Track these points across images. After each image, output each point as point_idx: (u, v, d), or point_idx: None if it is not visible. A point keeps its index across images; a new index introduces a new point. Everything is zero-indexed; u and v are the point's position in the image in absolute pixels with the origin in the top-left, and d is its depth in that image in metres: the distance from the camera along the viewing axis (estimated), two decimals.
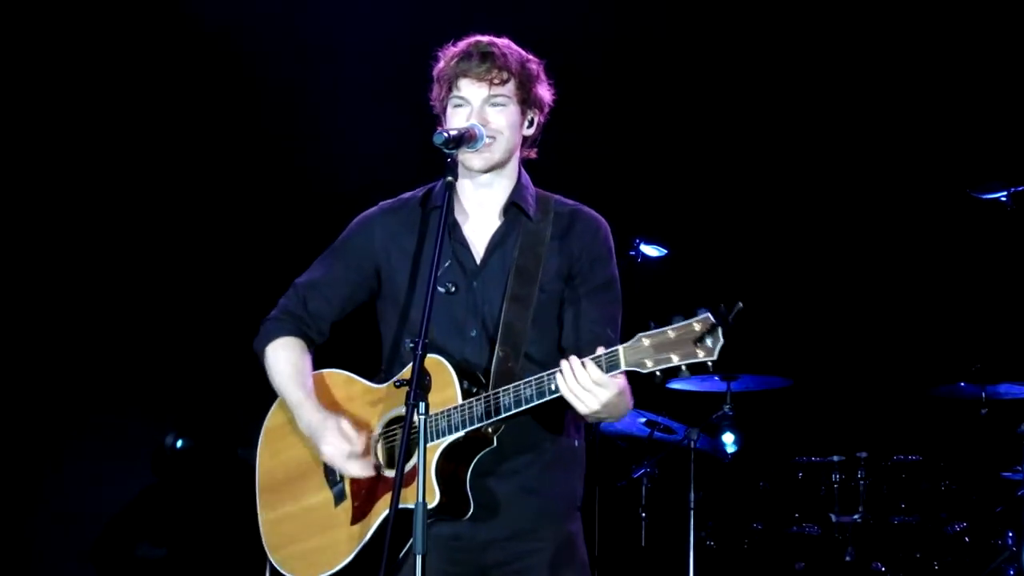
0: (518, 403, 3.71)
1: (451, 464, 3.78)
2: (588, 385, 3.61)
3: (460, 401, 3.77)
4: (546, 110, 4.04)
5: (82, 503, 7.43)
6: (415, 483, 3.58)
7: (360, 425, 3.96)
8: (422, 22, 7.11)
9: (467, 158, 3.92)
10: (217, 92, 7.45)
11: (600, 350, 3.63)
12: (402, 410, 3.65)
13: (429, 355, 3.74)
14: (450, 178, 3.81)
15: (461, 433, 3.76)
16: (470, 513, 3.81)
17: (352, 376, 4.07)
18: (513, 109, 3.96)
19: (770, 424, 7.79)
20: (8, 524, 7.38)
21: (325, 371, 4.11)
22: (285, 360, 4.07)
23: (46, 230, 7.40)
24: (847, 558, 7.08)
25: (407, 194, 4.15)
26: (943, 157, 7.57)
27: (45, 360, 7.41)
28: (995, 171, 6.77)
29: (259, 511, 4.13)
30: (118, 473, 7.53)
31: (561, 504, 3.99)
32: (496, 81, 3.91)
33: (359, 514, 3.90)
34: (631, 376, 3.66)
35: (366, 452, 3.90)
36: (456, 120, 3.94)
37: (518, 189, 4.03)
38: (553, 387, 3.66)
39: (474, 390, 3.79)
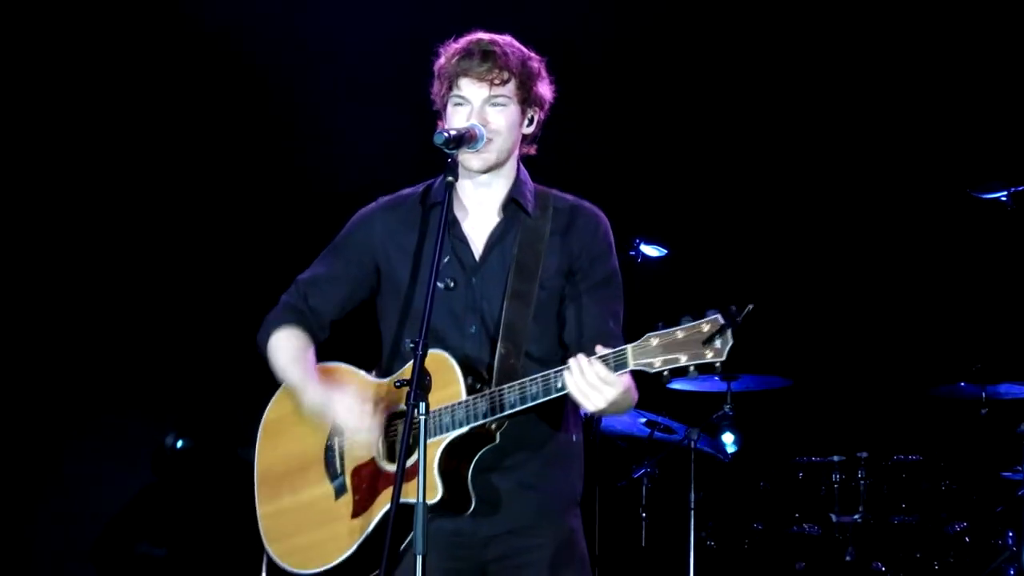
0: (523, 400, 3.71)
1: (453, 460, 3.78)
2: (596, 383, 3.60)
3: (464, 397, 3.77)
4: (547, 108, 4.03)
5: (82, 503, 7.44)
6: (416, 479, 3.58)
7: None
8: (422, 21, 7.10)
9: (466, 159, 3.92)
10: (217, 92, 7.45)
11: (602, 349, 3.62)
12: (404, 407, 3.65)
13: (434, 351, 3.75)
14: (451, 178, 3.80)
15: (465, 429, 3.75)
16: (472, 508, 3.81)
17: (355, 370, 4.07)
18: (513, 109, 3.95)
19: (770, 424, 7.79)
20: (8, 524, 7.38)
21: (329, 364, 4.09)
22: (287, 347, 4.05)
23: (46, 230, 7.40)
24: (847, 558, 7.08)
25: (406, 190, 4.15)
26: (943, 157, 7.57)
27: (45, 360, 7.41)
28: (995, 171, 6.76)
29: (258, 504, 4.12)
30: (118, 473, 7.54)
31: (561, 500, 3.98)
32: (497, 81, 3.91)
33: (360, 508, 3.90)
34: (634, 373, 3.65)
35: (376, 413, 3.89)
36: (456, 119, 3.93)
37: (517, 185, 4.03)
38: (560, 385, 3.66)
39: (478, 386, 3.79)
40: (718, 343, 3.51)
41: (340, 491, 3.95)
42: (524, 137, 4.03)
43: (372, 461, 3.92)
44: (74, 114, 7.32)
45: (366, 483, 3.90)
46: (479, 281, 3.96)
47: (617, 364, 3.60)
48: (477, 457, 3.81)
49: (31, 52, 7.21)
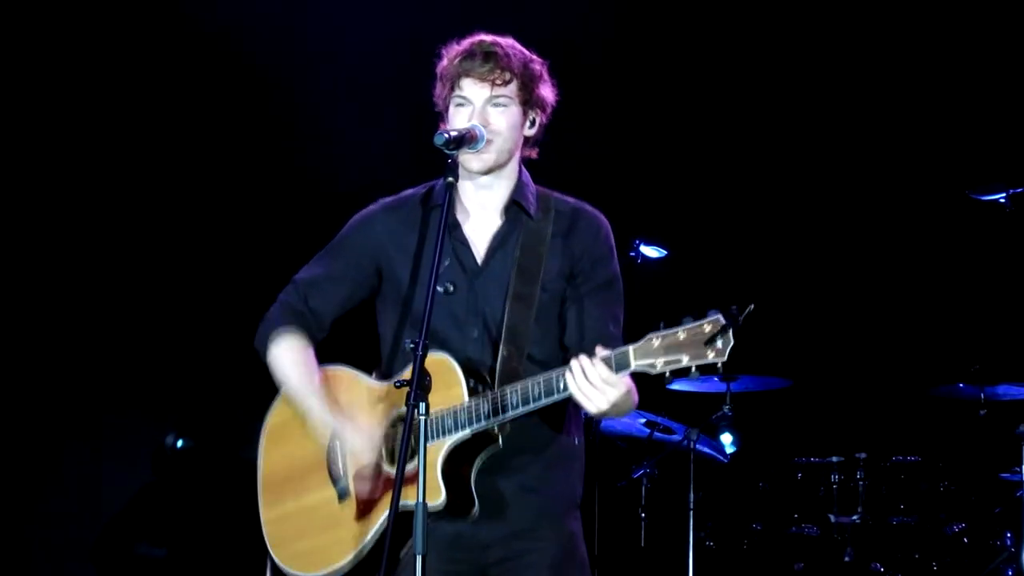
0: (525, 402, 3.71)
1: (456, 463, 3.78)
2: (598, 384, 3.61)
3: (466, 399, 3.77)
4: (548, 111, 4.03)
5: (82, 503, 7.44)
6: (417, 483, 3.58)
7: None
8: (422, 22, 7.11)
9: (467, 160, 3.92)
10: (217, 92, 7.45)
11: (603, 350, 3.62)
12: (405, 408, 3.65)
13: (435, 353, 3.75)
14: (451, 179, 3.80)
15: (467, 432, 3.76)
16: (475, 511, 3.81)
17: (356, 373, 4.06)
18: (515, 110, 3.95)
19: (770, 425, 7.80)
20: (8, 524, 7.38)
21: (329, 368, 4.09)
22: (291, 360, 4.05)
23: (46, 230, 7.40)
24: (846, 558, 7.08)
25: (408, 192, 4.14)
26: (942, 158, 7.58)
27: (46, 360, 7.41)
28: (994, 173, 6.77)
29: (261, 509, 4.12)
30: (118, 473, 7.54)
31: (561, 503, 3.99)
32: (498, 82, 3.91)
33: (363, 511, 3.90)
34: (635, 374, 3.66)
35: (385, 438, 3.90)
36: (458, 120, 3.93)
37: (519, 188, 4.03)
38: (562, 386, 3.66)
39: (480, 389, 3.79)
40: (720, 343, 3.51)
41: (343, 495, 3.95)
42: (526, 140, 4.02)
43: (375, 464, 3.92)
44: (75, 115, 7.32)
45: (369, 487, 3.90)
46: (481, 285, 3.96)
47: (619, 365, 3.61)
48: (480, 460, 3.81)
49: (31, 53, 7.20)
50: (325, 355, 4.13)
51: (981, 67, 7.46)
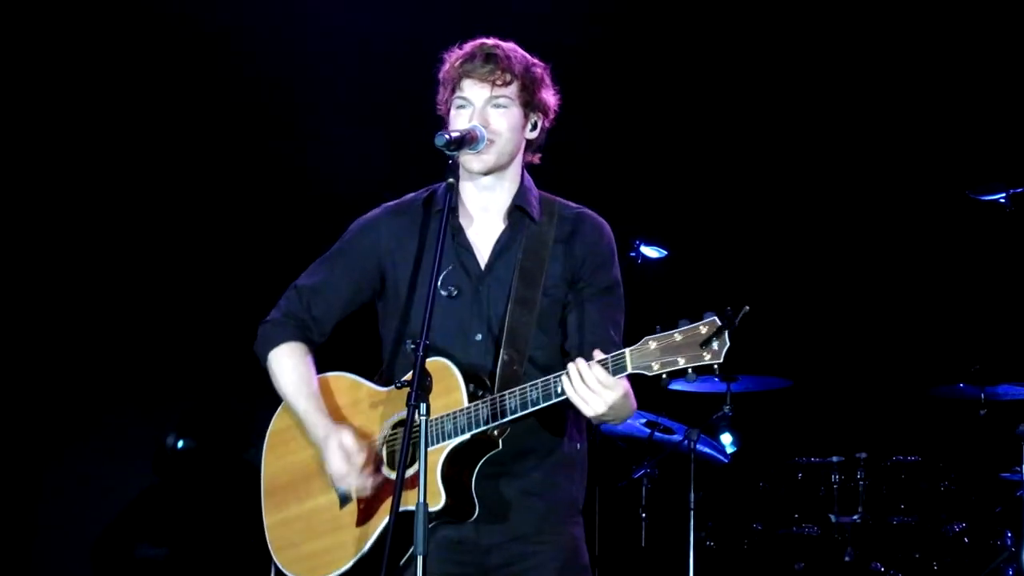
0: (524, 406, 3.72)
1: (456, 467, 3.78)
2: (595, 387, 3.61)
3: (466, 404, 3.77)
4: (551, 115, 4.03)
5: (82, 503, 7.44)
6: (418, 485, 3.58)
7: (365, 431, 3.97)
8: (421, 22, 7.11)
9: (467, 160, 3.92)
10: (219, 93, 7.45)
11: (600, 354, 3.63)
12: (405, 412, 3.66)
13: (435, 358, 3.77)
14: (451, 180, 3.80)
15: (467, 436, 3.76)
16: (475, 515, 3.81)
17: (357, 379, 4.07)
18: (515, 111, 3.95)
19: (770, 425, 7.81)
20: (8, 524, 7.38)
21: (330, 375, 4.10)
22: (290, 369, 4.06)
23: (47, 230, 7.40)
24: (846, 558, 7.09)
25: (410, 195, 4.14)
26: (942, 159, 7.58)
27: (46, 360, 7.41)
28: (994, 173, 6.77)
29: (264, 513, 4.13)
30: (119, 473, 7.54)
31: (563, 508, 3.99)
32: (499, 82, 3.91)
33: (364, 516, 3.91)
34: (634, 377, 3.67)
35: (367, 463, 3.90)
36: (459, 121, 3.94)
37: (522, 192, 4.03)
38: (559, 390, 3.66)
39: (480, 393, 3.79)
40: (715, 345, 3.53)
41: (345, 499, 3.96)
42: (528, 144, 4.03)
43: (376, 469, 3.92)
44: (75, 116, 7.32)
45: (371, 491, 3.90)
46: (485, 290, 3.96)
47: (616, 368, 3.62)
48: (480, 464, 3.82)
49: (31, 53, 7.21)
50: (328, 359, 4.13)
51: (981, 67, 7.46)
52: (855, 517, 7.13)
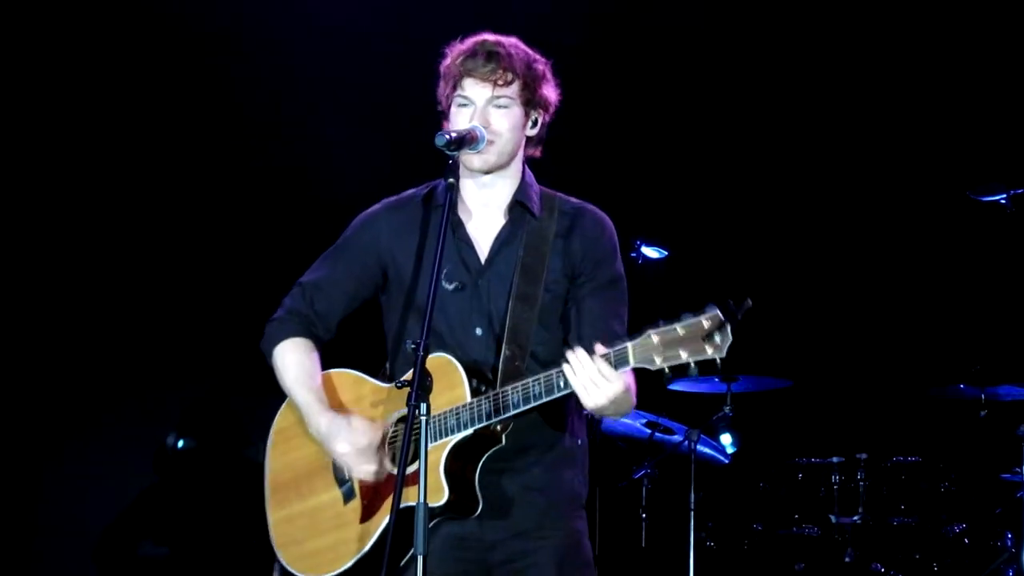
0: (526, 400, 3.71)
1: (459, 462, 3.78)
2: (596, 379, 3.60)
3: (469, 399, 3.77)
4: (551, 110, 4.02)
5: (83, 503, 7.43)
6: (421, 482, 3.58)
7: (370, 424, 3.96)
8: (423, 21, 7.11)
9: (468, 159, 3.92)
10: (220, 93, 7.45)
11: (602, 347, 3.61)
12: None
13: (438, 353, 3.78)
14: (451, 180, 3.80)
15: (469, 431, 3.75)
16: (479, 511, 3.81)
17: (360, 375, 4.07)
18: (516, 111, 3.94)
19: (770, 425, 7.81)
20: (8, 524, 7.38)
21: (333, 371, 4.10)
22: (293, 363, 4.06)
23: (47, 230, 7.40)
24: (847, 559, 7.09)
25: (410, 191, 4.14)
26: (943, 159, 7.58)
27: (46, 360, 7.41)
28: (995, 173, 6.77)
29: (268, 511, 4.13)
30: (119, 473, 7.53)
31: (566, 503, 3.99)
32: (501, 82, 3.90)
33: (368, 512, 3.91)
34: (636, 373, 3.66)
35: (380, 448, 3.89)
36: (459, 120, 3.93)
37: (522, 187, 4.02)
38: (562, 383, 3.65)
39: (483, 388, 3.79)
40: (718, 339, 3.50)
41: (348, 496, 3.96)
42: (528, 140, 4.02)
43: (380, 460, 3.91)
44: (75, 115, 7.32)
45: (374, 487, 3.91)
46: (485, 283, 3.96)
47: (618, 361, 3.60)
48: (484, 459, 3.81)
49: (30, 53, 7.21)
50: (334, 355, 4.14)
51: (981, 68, 7.47)
52: (855, 518, 7.14)
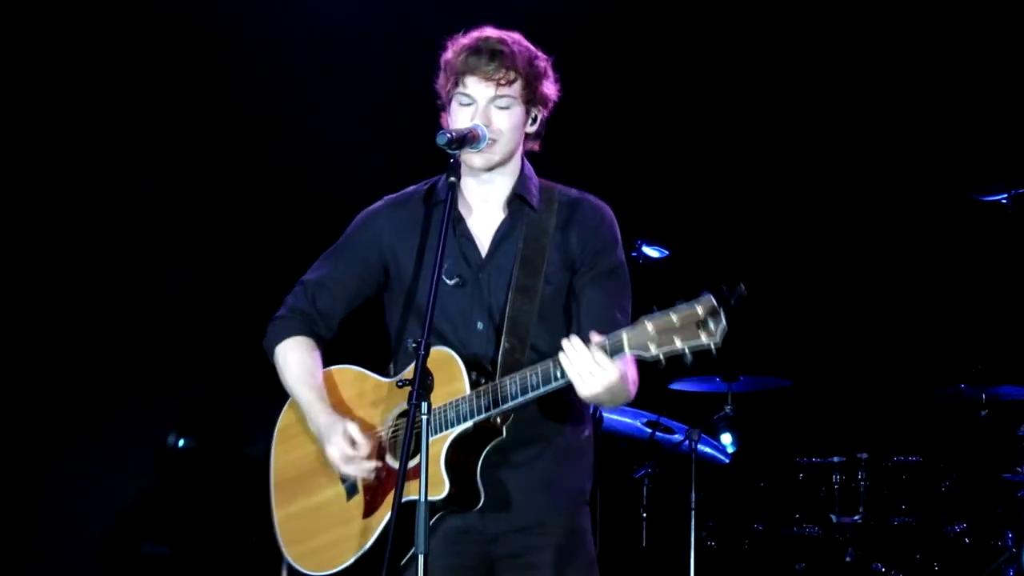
0: (524, 391, 3.70)
1: (460, 455, 3.78)
2: (591, 366, 3.58)
3: (468, 392, 3.77)
4: (551, 106, 4.01)
5: (83, 503, 7.43)
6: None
7: (369, 422, 3.97)
8: (423, 21, 7.11)
9: (469, 157, 3.91)
10: (220, 93, 7.45)
11: (597, 335, 3.59)
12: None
13: (438, 348, 3.78)
14: (453, 179, 3.79)
15: (469, 424, 3.75)
16: (480, 504, 3.80)
17: (363, 371, 4.07)
18: (518, 110, 3.93)
19: (770, 425, 7.81)
20: (9, 524, 7.37)
21: (335, 368, 4.10)
22: (295, 361, 4.07)
23: (47, 230, 7.40)
24: (847, 559, 7.09)
25: (410, 188, 4.14)
26: (944, 159, 7.58)
27: (46, 360, 7.40)
28: (996, 173, 6.77)
29: (273, 508, 4.13)
30: (120, 473, 7.53)
31: (570, 498, 3.99)
32: (503, 82, 3.88)
33: (371, 507, 3.91)
34: (639, 369, 3.65)
35: (370, 454, 3.90)
36: (460, 118, 3.92)
37: (521, 181, 4.02)
38: (559, 373, 3.63)
39: (482, 381, 3.78)
40: (712, 325, 3.47)
41: (351, 492, 3.96)
42: (528, 135, 4.01)
43: (381, 458, 3.92)
44: (74, 115, 7.32)
45: (377, 483, 3.90)
46: (486, 278, 3.95)
47: (613, 349, 3.58)
48: (485, 452, 3.81)
49: (28, 53, 7.21)
50: (335, 351, 4.13)
51: (981, 68, 7.47)
52: (856, 517, 7.14)
